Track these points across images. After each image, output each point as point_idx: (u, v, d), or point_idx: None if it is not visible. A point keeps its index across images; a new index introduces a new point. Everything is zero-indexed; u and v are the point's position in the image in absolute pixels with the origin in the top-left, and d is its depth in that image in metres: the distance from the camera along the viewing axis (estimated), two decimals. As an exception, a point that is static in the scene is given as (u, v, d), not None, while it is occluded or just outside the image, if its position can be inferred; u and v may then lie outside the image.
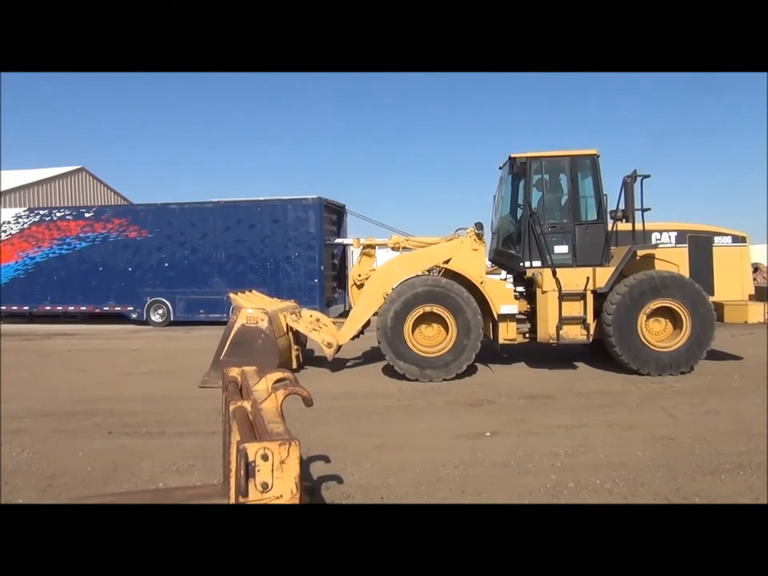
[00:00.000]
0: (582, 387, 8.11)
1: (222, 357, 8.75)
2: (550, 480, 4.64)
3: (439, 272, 9.72)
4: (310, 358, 10.36)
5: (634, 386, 8.12)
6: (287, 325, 9.66)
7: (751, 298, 9.66)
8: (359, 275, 9.98)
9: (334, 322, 10.12)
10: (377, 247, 10.45)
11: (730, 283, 9.46)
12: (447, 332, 8.95)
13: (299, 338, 9.93)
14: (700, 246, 9.50)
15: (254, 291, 11.04)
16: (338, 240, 18.53)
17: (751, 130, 71.81)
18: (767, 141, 50.77)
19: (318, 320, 9.95)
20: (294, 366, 9.74)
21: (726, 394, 7.54)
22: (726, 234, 9.68)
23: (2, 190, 27.79)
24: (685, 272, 9.17)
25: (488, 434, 5.98)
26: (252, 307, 9.22)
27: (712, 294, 9.10)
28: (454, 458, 5.17)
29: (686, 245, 9.51)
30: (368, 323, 9.57)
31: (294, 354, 9.80)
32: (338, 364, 10.03)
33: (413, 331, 8.98)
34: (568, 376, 9.00)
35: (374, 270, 10.01)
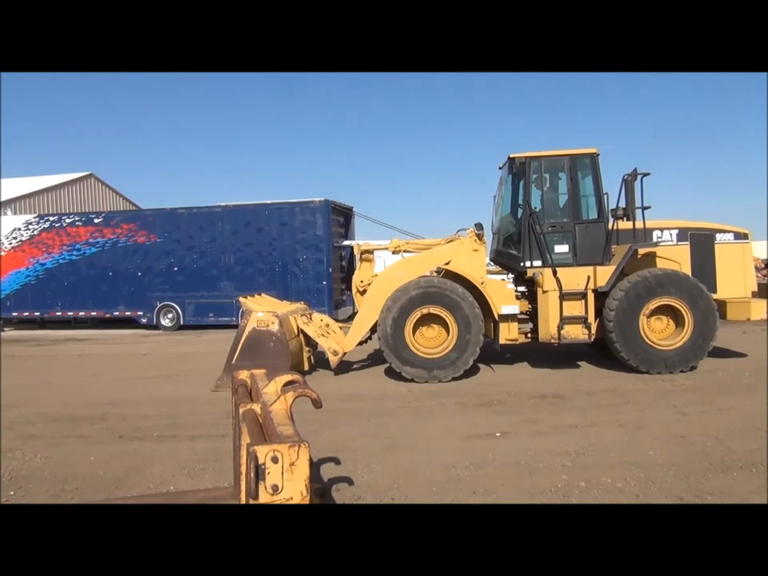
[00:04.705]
0: (591, 386, 8.08)
1: (234, 360, 8.77)
2: (561, 480, 4.63)
3: (440, 273, 9.71)
4: (320, 360, 10.38)
5: (644, 385, 8.08)
6: (298, 327, 9.68)
7: (754, 294, 9.60)
8: (361, 281, 9.96)
9: (341, 328, 10.13)
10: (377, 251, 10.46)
11: (733, 280, 9.40)
12: (448, 331, 8.94)
13: (310, 340, 9.94)
14: (702, 243, 9.45)
15: (263, 294, 11.07)
16: (345, 242, 18.55)
17: (752, 127, 71.43)
18: (767, 138, 50.46)
19: (327, 325, 9.96)
20: (306, 367, 9.76)
21: (738, 392, 7.49)
22: (728, 231, 9.61)
23: (13, 197, 27.98)
24: (687, 270, 9.13)
25: (498, 434, 5.97)
26: (262, 310, 9.25)
27: (714, 291, 9.05)
28: (465, 459, 5.17)
29: (688, 242, 9.47)
30: (375, 327, 9.57)
31: (305, 355, 9.82)
32: (346, 366, 10.04)
33: (414, 334, 8.97)
34: (574, 375, 8.97)
35: (375, 275, 10.00)
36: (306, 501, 2.19)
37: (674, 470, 4.74)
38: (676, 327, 8.83)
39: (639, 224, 9.19)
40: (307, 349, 9.88)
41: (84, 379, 10.04)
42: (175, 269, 18.71)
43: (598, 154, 9.35)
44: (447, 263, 9.37)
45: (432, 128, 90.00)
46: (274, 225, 18.01)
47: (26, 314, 20.02)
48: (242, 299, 10.17)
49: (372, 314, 9.31)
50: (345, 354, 9.57)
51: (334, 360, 9.36)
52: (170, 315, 18.82)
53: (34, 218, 20.65)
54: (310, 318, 9.96)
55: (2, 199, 26.90)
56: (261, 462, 2.14)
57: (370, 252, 10.22)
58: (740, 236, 9.62)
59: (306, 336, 9.79)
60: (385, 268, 10.59)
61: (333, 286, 17.72)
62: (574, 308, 8.97)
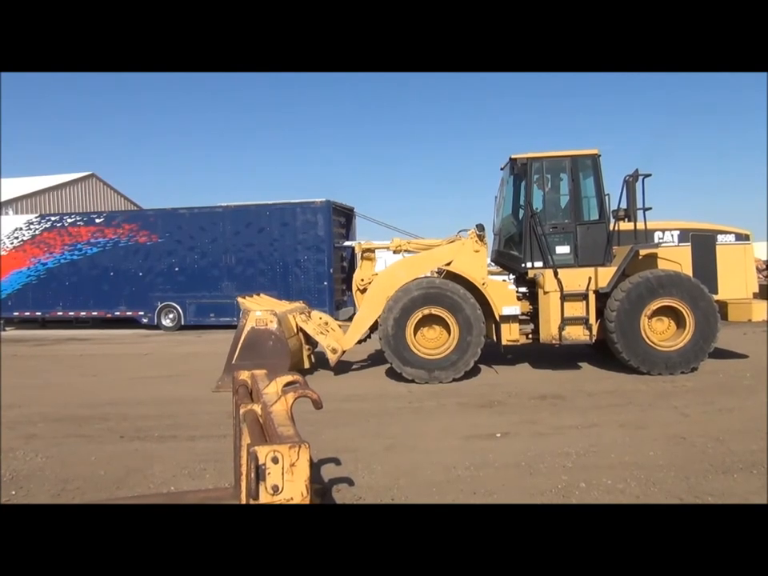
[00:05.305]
0: (592, 387, 8.08)
1: (234, 360, 8.79)
2: (561, 480, 4.63)
3: (441, 274, 9.72)
4: (321, 361, 10.39)
5: (644, 386, 8.08)
6: (297, 325, 9.69)
7: (755, 296, 9.59)
8: (362, 280, 9.98)
9: (341, 326, 10.14)
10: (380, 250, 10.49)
11: (734, 281, 9.39)
12: (449, 332, 8.94)
13: (310, 338, 9.96)
14: (703, 244, 9.44)
15: (261, 294, 11.09)
16: (347, 243, 18.56)
17: (753, 127, 71.41)
18: (767, 139, 50.43)
19: (326, 323, 9.97)
20: (307, 365, 9.78)
21: (739, 393, 7.49)
22: (729, 232, 9.60)
23: (15, 196, 28.01)
24: (688, 271, 9.12)
25: (499, 434, 5.97)
26: (261, 309, 9.26)
27: (716, 292, 9.05)
28: (465, 459, 5.17)
29: (689, 243, 9.46)
30: (375, 326, 9.58)
31: (305, 353, 9.85)
32: (346, 366, 10.05)
33: (415, 335, 8.97)
34: (575, 376, 8.97)
35: (376, 274, 10.02)
36: (307, 501, 2.20)
37: (675, 471, 4.74)
38: (677, 328, 8.82)
39: (640, 225, 9.18)
40: (307, 347, 9.90)
41: (85, 379, 10.05)
42: (176, 269, 18.72)
43: (600, 155, 9.35)
44: (448, 264, 9.38)
45: (433, 128, 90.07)
46: (275, 225, 18.02)
47: (28, 313, 20.04)
48: (240, 299, 10.19)
49: (372, 313, 9.33)
50: (344, 352, 9.58)
51: (333, 358, 9.36)
52: (171, 315, 18.83)
53: (36, 217, 20.67)
54: (309, 316, 9.97)
55: (4, 199, 26.93)
56: (261, 462, 2.15)
57: (372, 251, 10.24)
58: (741, 237, 9.61)
59: (305, 334, 9.81)
60: (385, 267, 10.60)
61: (334, 287, 17.74)
62: (575, 309, 8.97)
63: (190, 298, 18.56)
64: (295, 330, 9.64)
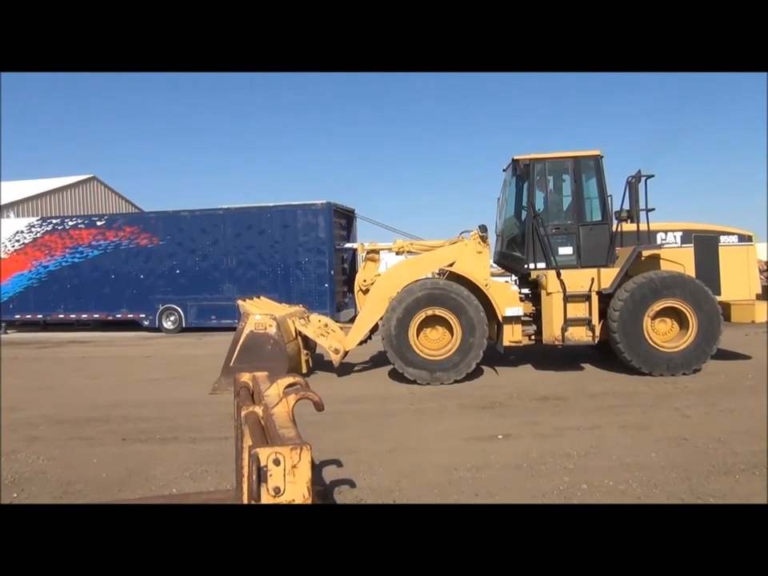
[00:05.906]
0: (594, 388, 8.08)
1: (232, 363, 8.78)
2: (563, 482, 4.63)
3: (443, 275, 9.72)
4: (321, 363, 10.40)
5: (646, 387, 8.07)
6: (296, 329, 9.69)
7: (759, 297, 9.59)
8: (364, 280, 9.99)
9: (341, 327, 10.14)
10: (381, 251, 10.50)
11: (737, 282, 9.39)
12: (452, 333, 8.94)
13: (309, 343, 9.95)
14: (706, 245, 9.45)
15: (262, 297, 11.08)
16: (347, 244, 18.55)
17: (755, 128, 71.23)
18: (767, 139, 50.37)
19: (326, 325, 9.97)
20: (304, 370, 9.76)
21: (740, 394, 7.48)
22: (732, 233, 9.61)
23: (16, 199, 28.04)
24: (691, 272, 9.11)
25: (500, 436, 5.97)
26: (260, 313, 9.26)
27: (719, 293, 9.04)
28: (467, 461, 5.16)
29: (692, 244, 9.46)
30: (375, 327, 9.58)
31: (303, 358, 9.83)
32: (347, 368, 10.04)
33: (417, 336, 8.97)
34: (577, 377, 8.96)
35: (378, 275, 10.02)
36: (309, 503, 2.19)
37: (676, 472, 4.74)
38: (680, 329, 8.82)
39: (643, 226, 9.19)
40: (305, 352, 9.89)
41: (87, 381, 10.05)
42: (177, 271, 18.72)
43: (602, 156, 9.36)
44: (451, 264, 9.38)
45: (435, 129, 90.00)
46: (276, 227, 18.04)
47: (29, 316, 20.04)
48: (239, 302, 10.20)
49: (374, 313, 9.34)
50: (347, 352, 9.57)
51: (335, 358, 9.36)
52: (172, 318, 18.83)
53: (37, 220, 20.67)
54: (308, 320, 9.96)
55: (5, 202, 26.97)
56: (263, 464, 2.14)
57: (376, 252, 10.26)
58: (744, 238, 9.62)
59: (304, 339, 9.80)
60: (388, 268, 10.63)
61: (335, 289, 17.74)
62: (577, 310, 8.96)
63: (191, 300, 18.57)
64: (294, 335, 9.64)
